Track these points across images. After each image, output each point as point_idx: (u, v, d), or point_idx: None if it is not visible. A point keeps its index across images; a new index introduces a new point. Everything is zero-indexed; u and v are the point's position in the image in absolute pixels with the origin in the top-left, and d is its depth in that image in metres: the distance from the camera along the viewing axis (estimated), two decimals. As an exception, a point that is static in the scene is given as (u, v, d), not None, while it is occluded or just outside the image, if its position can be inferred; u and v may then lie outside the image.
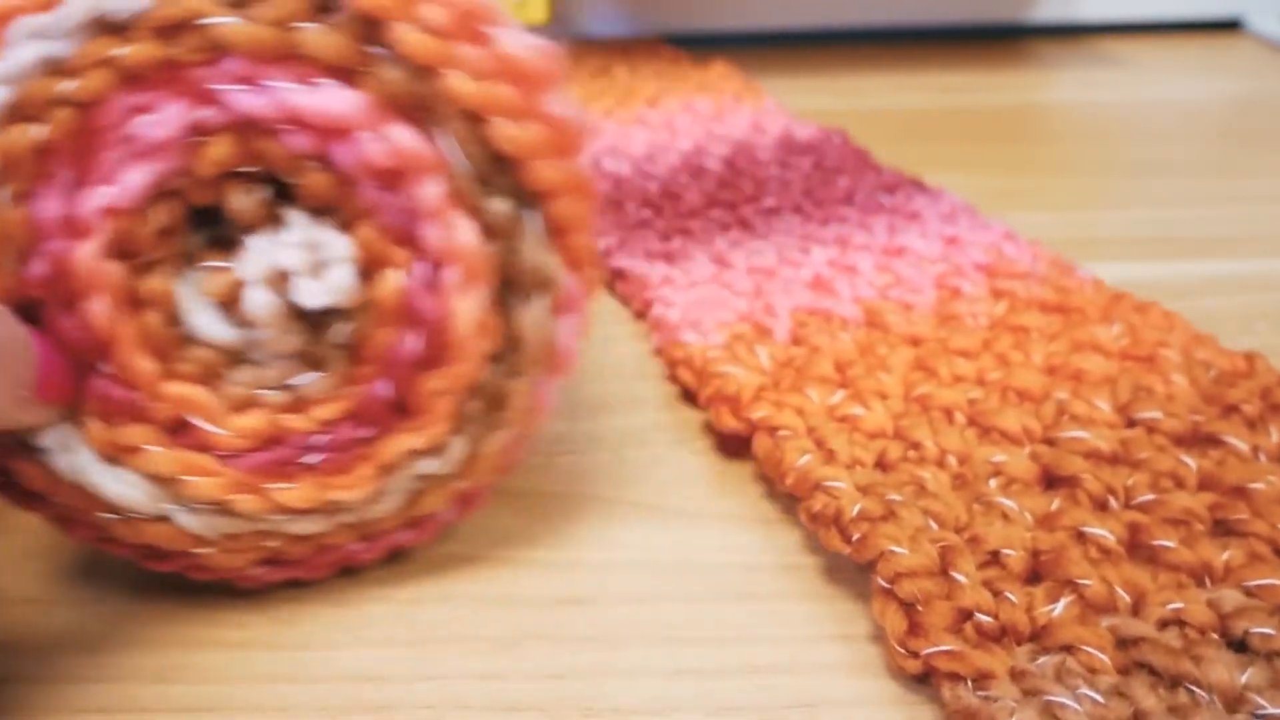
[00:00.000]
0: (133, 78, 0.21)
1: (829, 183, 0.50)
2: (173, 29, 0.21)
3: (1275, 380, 0.31)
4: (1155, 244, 0.47)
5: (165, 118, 0.22)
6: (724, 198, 0.49)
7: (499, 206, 0.23)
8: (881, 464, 0.29)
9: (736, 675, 0.24)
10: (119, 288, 0.22)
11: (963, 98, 0.71)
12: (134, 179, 0.22)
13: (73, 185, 0.22)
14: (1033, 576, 0.25)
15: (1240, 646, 0.23)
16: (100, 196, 0.22)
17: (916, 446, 0.29)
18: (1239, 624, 0.23)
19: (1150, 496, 0.27)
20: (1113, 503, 0.27)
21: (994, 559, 0.25)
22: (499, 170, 0.23)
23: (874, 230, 0.45)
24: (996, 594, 0.24)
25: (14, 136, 0.21)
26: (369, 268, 0.23)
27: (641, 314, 0.40)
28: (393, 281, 0.23)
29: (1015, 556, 0.25)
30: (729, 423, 0.31)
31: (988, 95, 0.72)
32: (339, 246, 0.23)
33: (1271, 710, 0.21)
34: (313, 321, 0.24)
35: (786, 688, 0.24)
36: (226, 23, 0.21)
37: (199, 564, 0.25)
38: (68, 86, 0.21)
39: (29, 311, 0.22)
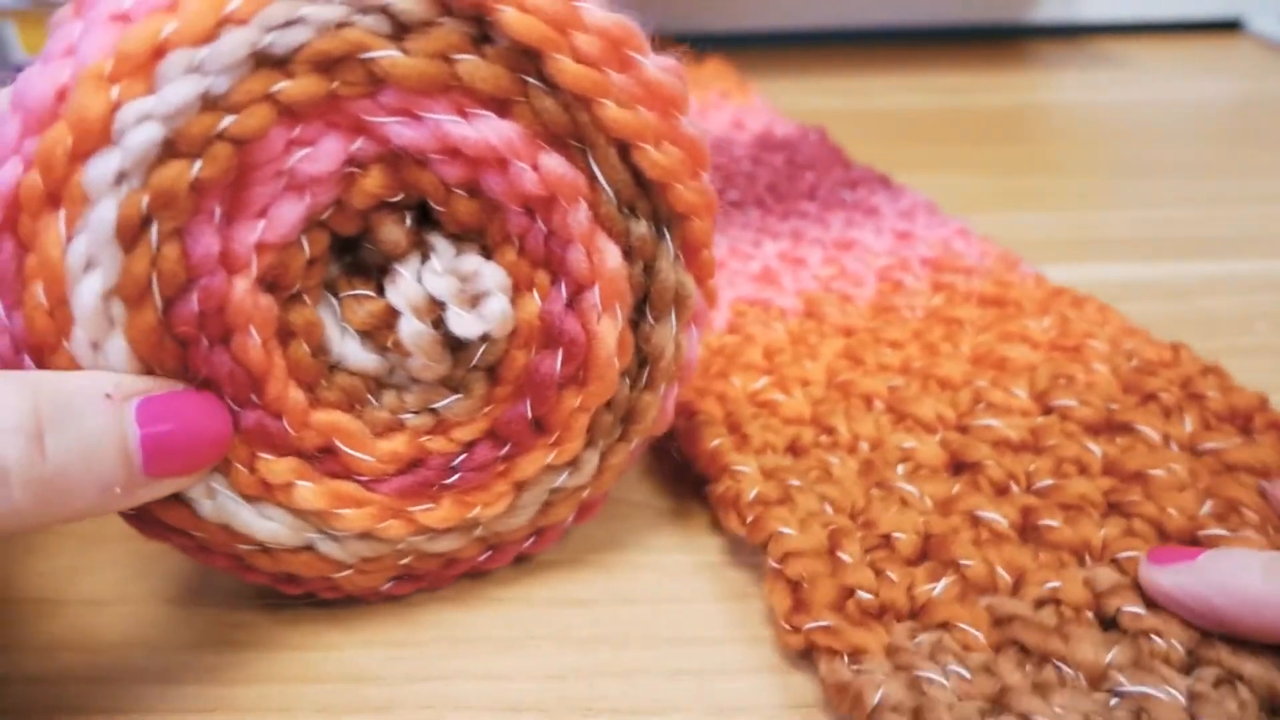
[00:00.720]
0: (291, 112, 0.21)
1: (795, 178, 0.51)
2: (333, 62, 0.21)
3: (1198, 370, 0.31)
4: (1155, 244, 0.47)
5: (323, 152, 0.22)
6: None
7: (640, 229, 0.24)
8: (793, 449, 0.30)
9: (736, 675, 0.24)
10: (272, 320, 0.23)
11: (963, 98, 0.71)
12: (289, 213, 0.22)
13: (225, 220, 0.21)
14: (922, 559, 0.26)
15: (1111, 624, 0.24)
16: (255, 231, 0.22)
17: (830, 432, 0.30)
18: (1112, 602, 0.24)
19: (1049, 482, 0.27)
20: (1014, 488, 0.28)
21: (885, 542, 0.26)
22: (642, 194, 0.24)
23: (829, 225, 0.45)
24: (879, 574, 0.25)
25: (171, 174, 0.20)
26: (512, 291, 0.24)
27: None
28: (535, 304, 0.24)
29: (905, 540, 0.26)
30: None
31: (988, 95, 0.72)
32: (493, 276, 0.23)
33: (1130, 688, 0.21)
34: (453, 345, 0.24)
35: (786, 688, 0.24)
36: (387, 56, 0.21)
37: (334, 585, 0.25)
38: (226, 122, 0.20)
39: (172, 352, 0.22)
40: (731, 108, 0.63)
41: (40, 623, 0.26)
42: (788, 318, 0.37)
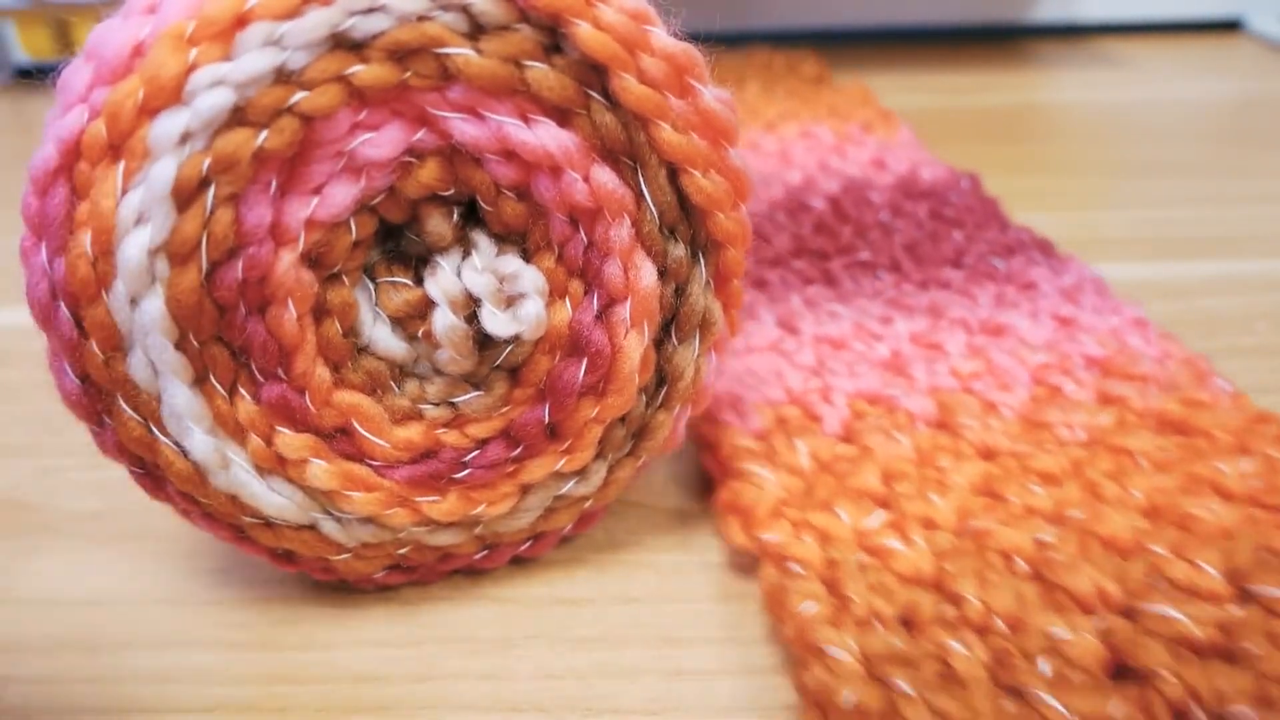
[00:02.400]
0: (360, 95, 0.21)
1: (940, 237, 0.42)
2: (408, 53, 0.21)
3: None
4: (1155, 244, 0.47)
5: (385, 138, 0.22)
6: (815, 245, 0.42)
7: (678, 251, 0.24)
8: (907, 622, 0.23)
9: (736, 675, 0.24)
10: (310, 297, 0.23)
11: (963, 98, 0.71)
12: (342, 194, 0.22)
13: (280, 193, 0.22)
14: None
15: None
16: (308, 207, 0.22)
17: (957, 602, 0.24)
18: None
19: (1246, 711, 0.20)
20: (1197, 715, 0.21)
21: None
22: (684, 218, 0.24)
23: (977, 301, 0.38)
24: None
25: (236, 140, 0.20)
26: (547, 296, 0.24)
27: None
28: (566, 312, 0.24)
29: None
30: (737, 539, 0.27)
31: (988, 95, 0.72)
32: (532, 280, 0.24)
33: None
34: (481, 342, 0.24)
35: (786, 688, 0.24)
36: (461, 54, 0.21)
37: (329, 568, 0.25)
38: (297, 97, 0.21)
39: (209, 316, 0.22)
40: (873, 143, 0.54)
41: (40, 623, 0.26)
42: (916, 426, 0.30)
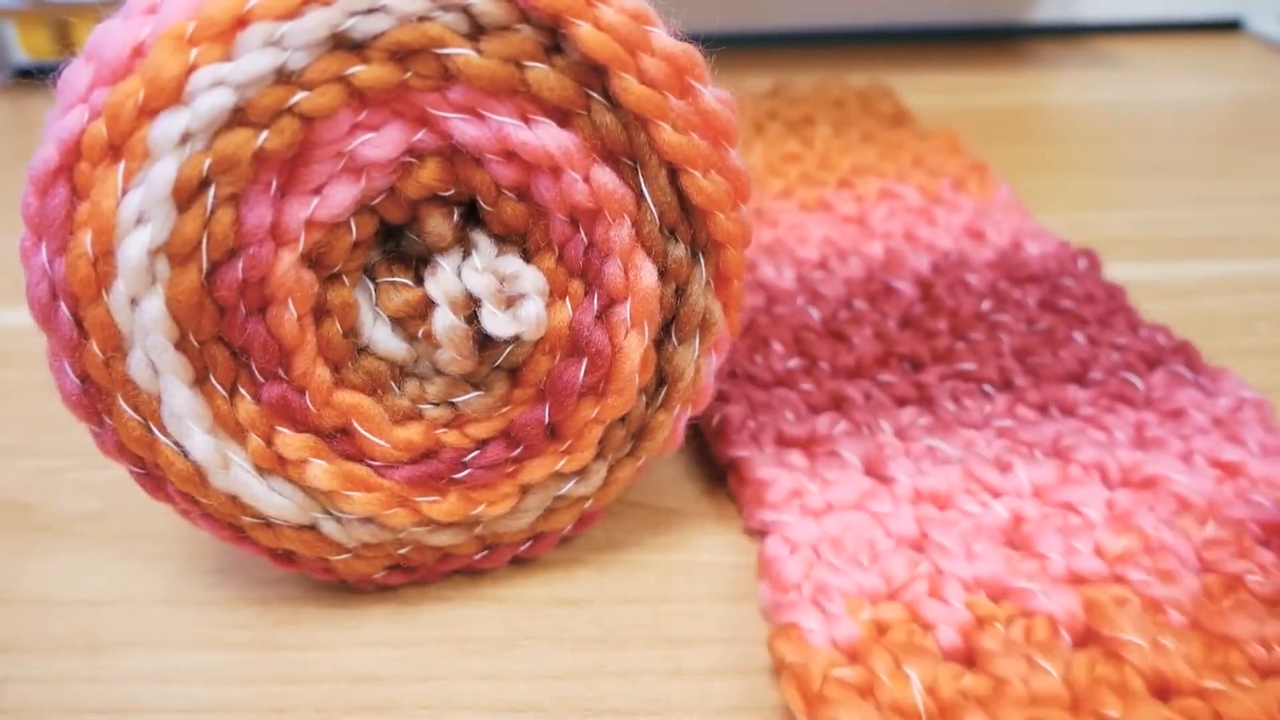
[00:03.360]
0: (361, 96, 0.21)
1: (1058, 339, 0.34)
2: (409, 53, 0.21)
3: None
4: (1155, 244, 0.47)
5: (385, 139, 0.22)
6: (906, 348, 0.34)
7: (678, 252, 0.24)
8: None
9: (735, 676, 0.24)
10: (310, 297, 0.23)
11: (962, 98, 0.71)
12: (343, 194, 0.22)
13: (280, 193, 0.22)
14: None
15: None
16: (308, 207, 0.22)
17: None
18: None
19: None
20: None
21: None
22: (684, 218, 0.24)
23: (1113, 435, 0.30)
24: None
25: (236, 140, 0.20)
26: (548, 296, 0.24)
27: (752, 533, 0.29)
28: (566, 312, 0.24)
29: None
30: None
31: (987, 95, 0.72)
32: (532, 280, 0.24)
33: None
34: (481, 342, 0.24)
35: (783, 688, 0.24)
36: (462, 54, 0.21)
37: (329, 568, 0.25)
38: (297, 98, 0.21)
39: (209, 317, 0.22)
40: (968, 205, 0.45)
41: (40, 623, 0.26)
42: (1060, 639, 0.23)
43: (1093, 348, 0.34)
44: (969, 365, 0.33)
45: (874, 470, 0.29)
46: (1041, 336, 0.35)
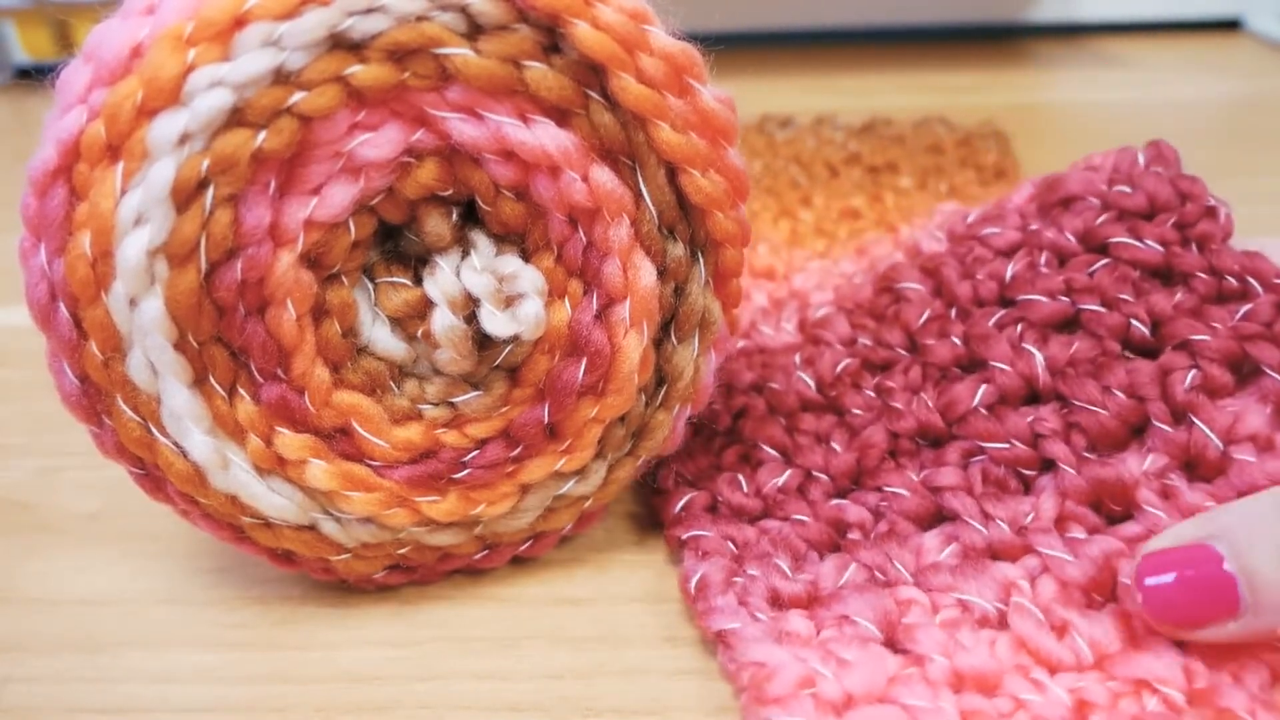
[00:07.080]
0: (359, 96, 0.21)
1: (1099, 365, 0.28)
2: (407, 53, 0.21)
3: None
4: (1155, 243, 0.46)
5: (384, 139, 0.22)
6: (907, 443, 0.28)
7: (677, 251, 0.24)
8: None
9: (736, 675, 0.24)
10: (309, 297, 0.23)
11: (962, 98, 0.71)
12: (341, 194, 0.22)
13: (279, 193, 0.22)
14: None
15: None
16: (307, 208, 0.22)
17: None
18: None
19: None
20: None
21: None
22: (682, 217, 0.24)
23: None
24: None
25: (235, 141, 0.20)
26: (546, 296, 0.24)
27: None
28: (565, 312, 0.24)
29: None
30: None
31: (987, 95, 0.72)
32: (531, 280, 0.24)
33: None
34: (480, 342, 0.24)
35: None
36: (460, 54, 0.21)
37: (329, 568, 0.25)
38: (295, 98, 0.21)
39: (208, 317, 0.22)
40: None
41: (40, 622, 0.26)
42: None
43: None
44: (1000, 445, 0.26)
45: (897, 641, 0.23)
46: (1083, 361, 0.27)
